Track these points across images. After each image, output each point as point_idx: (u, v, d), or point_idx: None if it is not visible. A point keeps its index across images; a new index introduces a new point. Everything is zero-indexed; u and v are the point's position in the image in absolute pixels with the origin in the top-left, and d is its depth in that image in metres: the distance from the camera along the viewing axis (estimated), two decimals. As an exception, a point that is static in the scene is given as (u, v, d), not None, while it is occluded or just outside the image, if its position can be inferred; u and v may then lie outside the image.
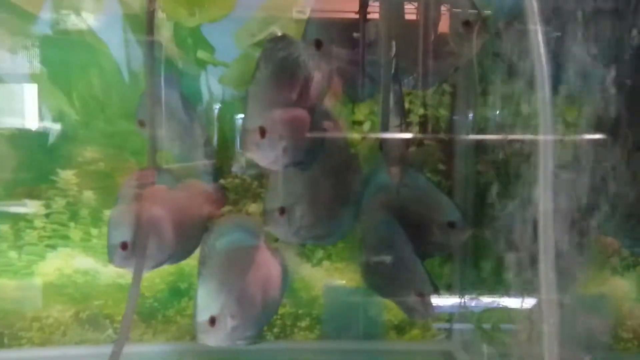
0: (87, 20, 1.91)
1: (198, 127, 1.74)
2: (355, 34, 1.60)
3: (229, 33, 1.94)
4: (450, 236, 1.54)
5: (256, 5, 1.94)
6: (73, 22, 1.89)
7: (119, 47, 1.93)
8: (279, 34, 1.76)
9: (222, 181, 1.90)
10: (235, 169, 1.94)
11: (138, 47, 1.91)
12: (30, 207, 1.88)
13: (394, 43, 1.58)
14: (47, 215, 1.90)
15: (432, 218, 1.55)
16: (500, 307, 1.64)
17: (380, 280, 1.63)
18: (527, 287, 1.21)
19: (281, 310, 1.96)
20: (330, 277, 1.98)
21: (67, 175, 1.90)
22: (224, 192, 1.89)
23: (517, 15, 1.18)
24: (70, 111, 1.91)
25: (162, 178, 1.59)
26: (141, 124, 1.60)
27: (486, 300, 1.77)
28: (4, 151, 1.88)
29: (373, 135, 1.82)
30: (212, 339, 1.39)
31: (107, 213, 1.81)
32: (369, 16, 1.60)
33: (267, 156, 1.36)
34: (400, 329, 1.99)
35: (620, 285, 1.91)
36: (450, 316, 1.97)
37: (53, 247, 1.91)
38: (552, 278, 1.12)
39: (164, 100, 1.61)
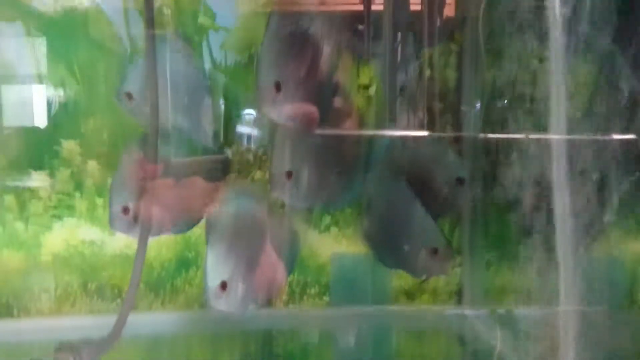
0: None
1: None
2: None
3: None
4: (459, 193, 1.52)
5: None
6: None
7: (119, 15, 1.90)
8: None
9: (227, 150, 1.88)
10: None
11: (138, 15, 1.87)
12: (34, 177, 1.87)
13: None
14: (51, 186, 1.88)
15: (439, 175, 1.53)
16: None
17: (388, 245, 1.61)
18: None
19: (289, 278, 1.95)
20: (338, 244, 1.97)
21: (70, 145, 1.88)
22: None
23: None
24: (72, 80, 1.89)
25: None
26: (129, 96, 1.55)
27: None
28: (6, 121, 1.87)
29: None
30: (224, 304, 1.38)
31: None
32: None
33: (283, 111, 1.34)
34: (410, 294, 1.98)
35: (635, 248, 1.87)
36: (460, 279, 1.96)
37: (59, 217, 1.90)
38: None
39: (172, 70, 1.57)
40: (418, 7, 1.67)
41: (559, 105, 1.15)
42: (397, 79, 1.73)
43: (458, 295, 1.97)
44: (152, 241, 1.53)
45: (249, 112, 1.90)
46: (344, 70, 1.51)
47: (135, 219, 1.50)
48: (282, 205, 1.58)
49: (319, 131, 1.47)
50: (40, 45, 1.89)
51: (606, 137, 1.24)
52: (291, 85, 1.32)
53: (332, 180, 1.57)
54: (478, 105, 1.80)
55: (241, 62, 1.92)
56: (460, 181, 1.52)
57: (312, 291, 1.97)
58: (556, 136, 1.13)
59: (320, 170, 1.53)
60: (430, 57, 1.72)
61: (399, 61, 1.68)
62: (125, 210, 1.48)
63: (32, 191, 1.88)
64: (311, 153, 1.52)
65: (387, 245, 1.62)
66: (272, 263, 1.48)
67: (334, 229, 1.96)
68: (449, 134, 1.84)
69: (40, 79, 1.88)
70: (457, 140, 1.83)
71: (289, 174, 1.49)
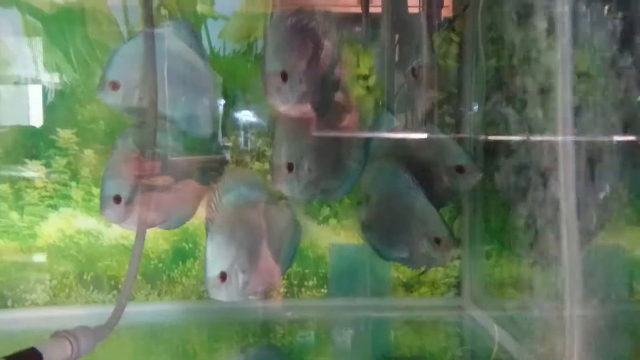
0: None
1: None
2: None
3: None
4: (460, 180, 1.51)
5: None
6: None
7: (117, 2, 1.87)
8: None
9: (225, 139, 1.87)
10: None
11: (136, 2, 1.85)
12: (30, 166, 1.84)
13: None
14: (47, 175, 1.86)
15: (440, 163, 1.52)
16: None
17: (387, 237, 1.61)
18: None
19: (288, 270, 1.93)
20: (337, 235, 1.96)
21: (66, 134, 1.85)
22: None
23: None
24: (68, 68, 1.86)
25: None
26: (114, 86, 1.47)
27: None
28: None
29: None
30: (224, 294, 1.37)
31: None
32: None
33: (288, 100, 1.34)
34: (408, 287, 1.97)
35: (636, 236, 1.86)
36: (460, 271, 1.95)
37: (55, 207, 1.88)
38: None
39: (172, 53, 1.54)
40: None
41: (564, 97, 1.13)
42: (398, 67, 1.71)
43: (457, 288, 1.96)
44: (149, 232, 1.52)
45: (247, 103, 1.89)
46: (345, 61, 1.50)
47: (127, 208, 1.48)
48: (283, 197, 1.57)
49: (319, 124, 1.47)
50: (37, 32, 1.86)
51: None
52: (296, 75, 1.31)
53: (332, 170, 1.57)
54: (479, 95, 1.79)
55: (240, 51, 1.90)
56: (460, 169, 1.51)
57: (310, 283, 1.96)
58: (560, 136, 1.11)
59: (321, 162, 1.52)
60: (431, 45, 1.70)
61: (400, 50, 1.67)
62: (117, 199, 1.46)
63: (28, 180, 1.86)
64: (311, 144, 1.51)
65: (387, 236, 1.61)
66: (271, 255, 1.47)
67: (332, 220, 1.95)
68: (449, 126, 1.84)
69: (36, 67, 1.86)
70: (458, 130, 1.82)
71: (290, 166, 1.48)
